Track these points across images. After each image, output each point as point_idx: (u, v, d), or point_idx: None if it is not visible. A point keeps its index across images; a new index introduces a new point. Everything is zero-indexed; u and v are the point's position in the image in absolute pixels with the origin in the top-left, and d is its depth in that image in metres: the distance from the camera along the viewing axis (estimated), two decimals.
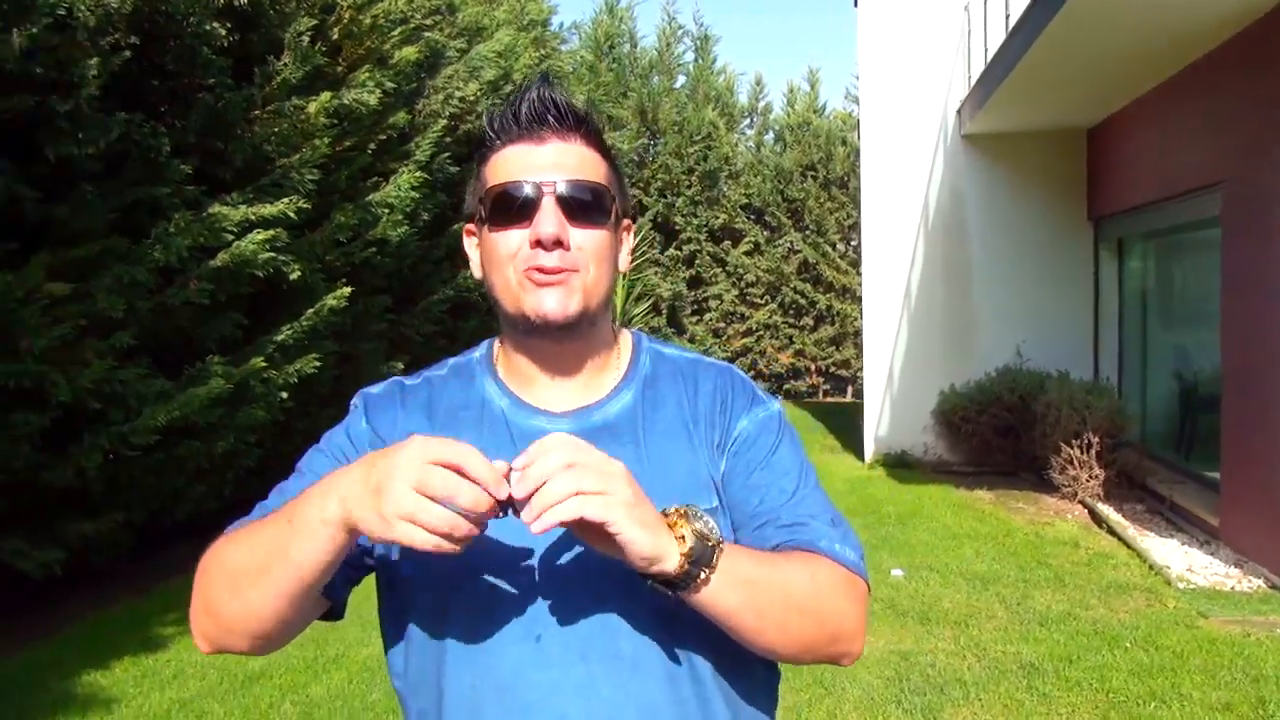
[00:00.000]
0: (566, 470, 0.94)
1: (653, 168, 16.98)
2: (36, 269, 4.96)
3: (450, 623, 1.11)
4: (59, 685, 4.69)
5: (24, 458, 5.13)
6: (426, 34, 9.06)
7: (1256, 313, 6.01)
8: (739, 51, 49.92)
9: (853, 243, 16.74)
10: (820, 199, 16.98)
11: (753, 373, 16.42)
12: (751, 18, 55.80)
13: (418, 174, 8.27)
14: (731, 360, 14.45)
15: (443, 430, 1.18)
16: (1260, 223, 5.95)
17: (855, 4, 10.99)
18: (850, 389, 16.97)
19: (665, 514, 1.01)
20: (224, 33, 6.13)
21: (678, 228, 16.99)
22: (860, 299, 11.64)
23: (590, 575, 1.08)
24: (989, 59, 8.42)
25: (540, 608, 1.08)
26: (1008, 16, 7.97)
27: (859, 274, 12.56)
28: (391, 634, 1.19)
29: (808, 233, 17.04)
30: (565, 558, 1.09)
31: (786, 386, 17.35)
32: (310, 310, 6.94)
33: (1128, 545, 6.52)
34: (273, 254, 6.31)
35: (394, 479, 0.91)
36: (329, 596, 1.13)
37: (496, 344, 1.28)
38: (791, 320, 17.25)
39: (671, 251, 16.99)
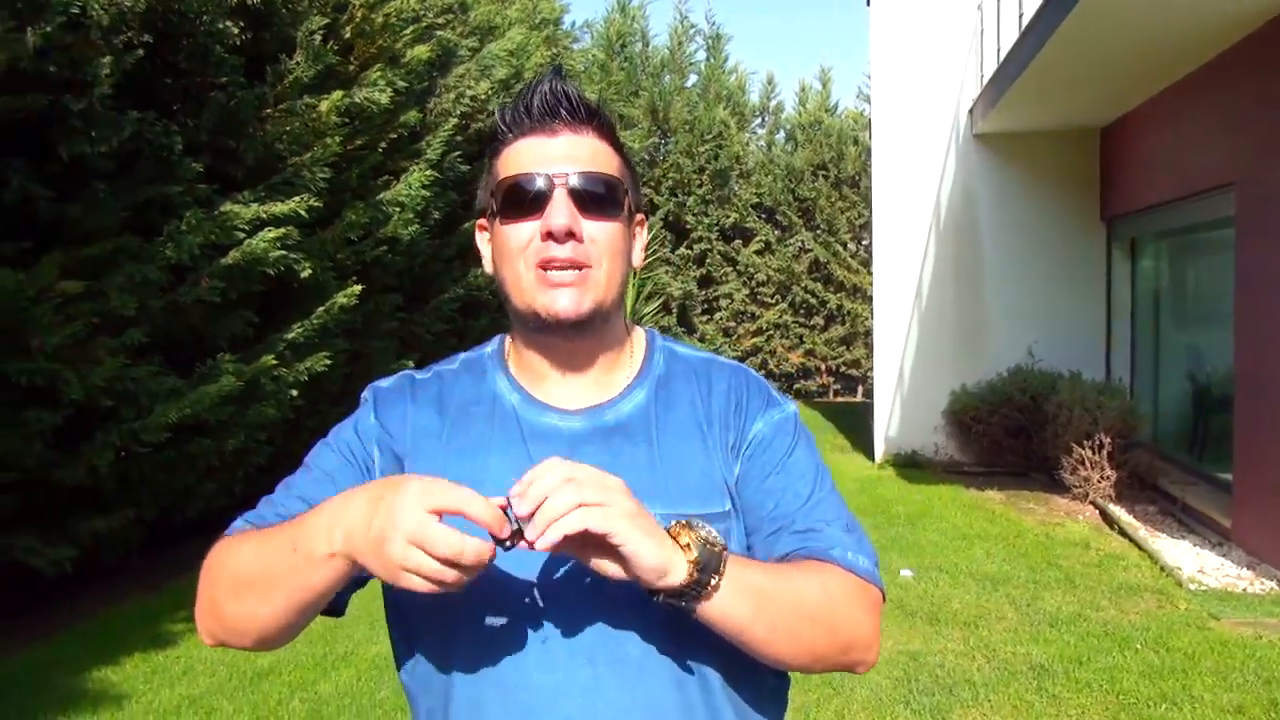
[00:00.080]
0: (566, 484, 0.93)
1: (664, 166, 16.98)
2: (49, 267, 4.99)
3: (456, 624, 1.10)
4: (70, 681, 4.72)
5: (36, 455, 5.16)
6: (438, 33, 9.07)
7: (1270, 313, 5.97)
8: (751, 51, 49.91)
9: (864, 242, 16.71)
10: (831, 198, 16.95)
11: (763, 372, 16.40)
12: (764, 17, 55.74)
13: (429, 172, 8.28)
14: (742, 359, 14.44)
15: (454, 425, 1.18)
16: (1274, 223, 5.91)
17: (868, 3, 10.96)
18: (861, 389, 16.94)
19: (667, 528, 1.00)
20: (236, 31, 6.16)
21: (688, 226, 16.98)
22: (871, 298, 11.62)
23: (599, 579, 1.05)
24: (1001, 58, 8.39)
25: (547, 611, 1.07)
26: (1020, 16, 7.94)
27: (870, 273, 12.53)
28: (398, 633, 1.19)
29: (819, 232, 17.02)
30: (574, 561, 1.08)
31: (797, 386, 17.33)
32: (321, 308, 6.96)
33: (1139, 546, 6.49)
34: (284, 252, 6.33)
35: (395, 530, 0.90)
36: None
37: (508, 339, 1.27)
38: (802, 319, 17.23)
39: (682, 250, 16.99)
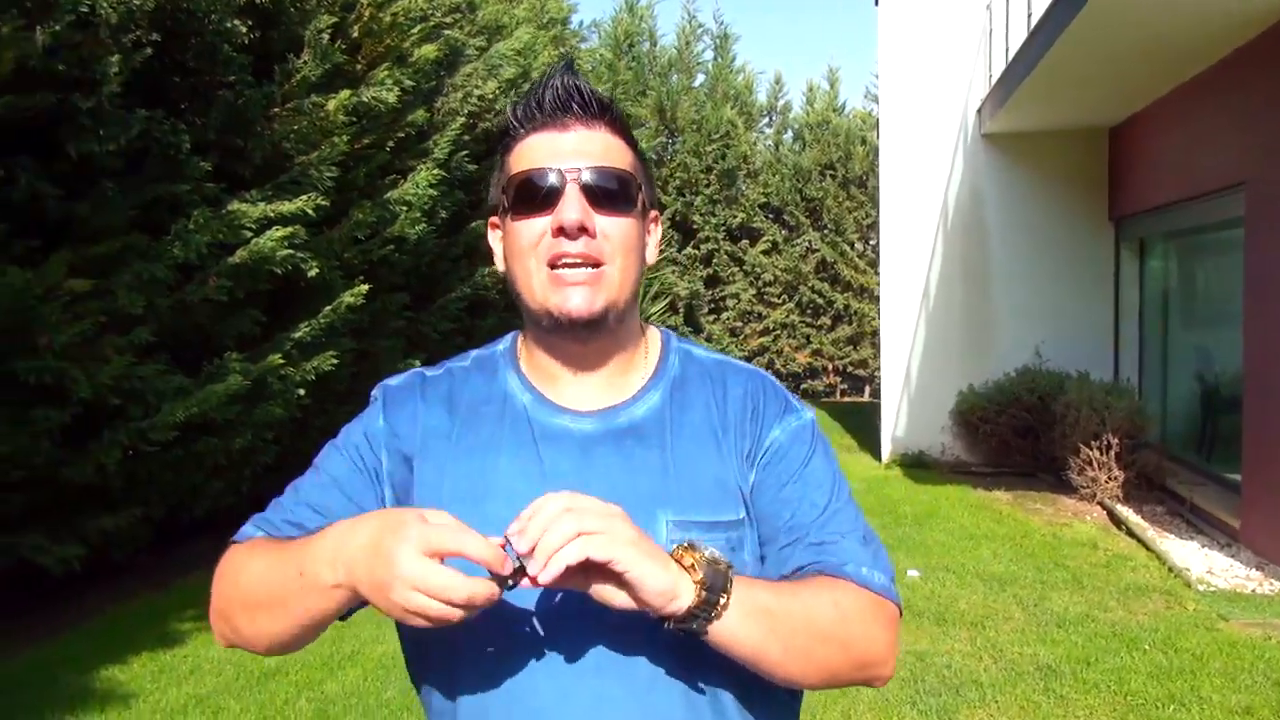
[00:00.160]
0: (566, 514, 0.91)
1: (671, 166, 16.97)
2: (57, 266, 5.00)
3: (464, 631, 1.08)
4: (77, 680, 4.73)
5: (44, 454, 5.17)
6: (446, 32, 9.08)
7: (1279, 314, 5.95)
8: (759, 50, 49.87)
9: (871, 242, 16.70)
10: (839, 198, 16.94)
11: (770, 372, 16.36)
12: (772, 16, 55.71)
13: (436, 172, 8.29)
14: (748, 359, 14.43)
15: (464, 424, 1.16)
16: None
17: (876, 3, 10.95)
18: (867, 389, 16.92)
19: (670, 552, 0.98)
20: (245, 30, 6.16)
21: (695, 226, 16.97)
22: (878, 298, 11.60)
23: (605, 608, 1.04)
24: (1010, 58, 8.37)
25: (552, 640, 1.06)
26: (1029, 15, 7.92)
27: (877, 273, 12.52)
28: (409, 649, 1.18)
29: (826, 232, 17.00)
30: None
31: (804, 386, 17.32)
32: (328, 307, 6.96)
33: (1147, 547, 6.47)
34: (291, 251, 6.34)
35: (395, 579, 0.90)
36: None
37: (520, 337, 1.25)
38: (809, 319, 17.22)
39: (689, 250, 16.98)
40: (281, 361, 6.51)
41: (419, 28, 8.22)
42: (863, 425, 12.59)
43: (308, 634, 1.08)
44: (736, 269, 17.25)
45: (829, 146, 17.14)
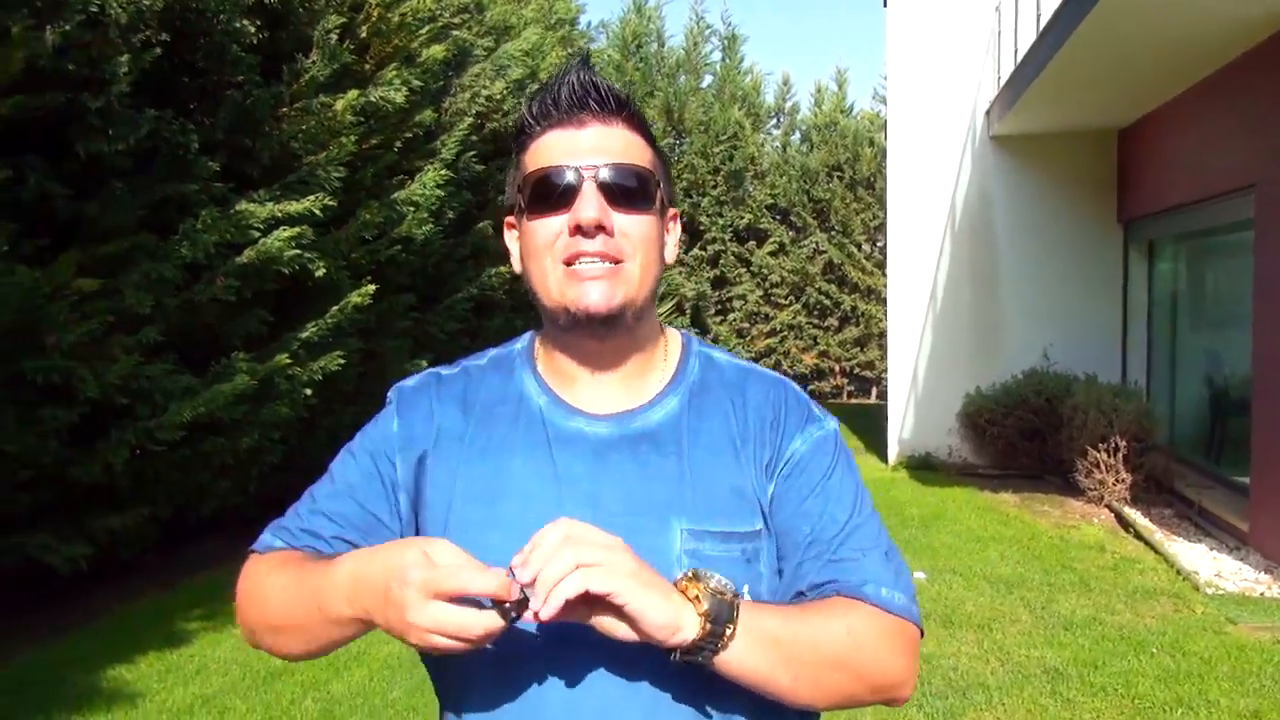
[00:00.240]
0: (564, 546, 0.90)
1: (678, 167, 16.96)
2: (66, 265, 5.01)
3: (469, 671, 1.08)
4: (84, 679, 4.73)
5: (52, 453, 5.18)
6: (454, 32, 9.09)
7: None
8: (767, 52, 49.83)
9: (878, 243, 16.68)
10: (846, 199, 16.93)
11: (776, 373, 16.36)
12: (780, 17, 55.68)
13: (443, 172, 8.29)
14: (755, 360, 14.43)
15: (478, 425, 1.15)
16: None
17: (884, 4, 10.94)
18: (874, 390, 16.91)
19: (674, 582, 0.96)
20: (253, 30, 6.18)
21: (703, 227, 16.97)
22: (885, 300, 11.59)
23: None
24: (1019, 59, 8.35)
25: (565, 643, 1.03)
26: (1039, 16, 7.90)
27: (884, 275, 12.50)
28: (426, 658, 1.17)
29: (833, 233, 16.99)
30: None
31: (810, 387, 17.29)
32: (335, 307, 6.97)
33: (1155, 550, 6.45)
34: (298, 251, 6.35)
35: (410, 625, 0.91)
36: None
37: (537, 338, 1.24)
38: (816, 321, 17.20)
39: (696, 251, 16.98)
40: (289, 361, 6.52)
41: (427, 28, 8.22)
42: (869, 427, 12.57)
43: (334, 648, 1.11)
44: (743, 270, 17.24)
45: (837, 148, 17.12)
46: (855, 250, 16.89)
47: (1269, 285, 6.23)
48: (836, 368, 17.30)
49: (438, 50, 8.23)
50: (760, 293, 17.22)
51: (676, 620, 0.93)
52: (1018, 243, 10.03)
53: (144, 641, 5.22)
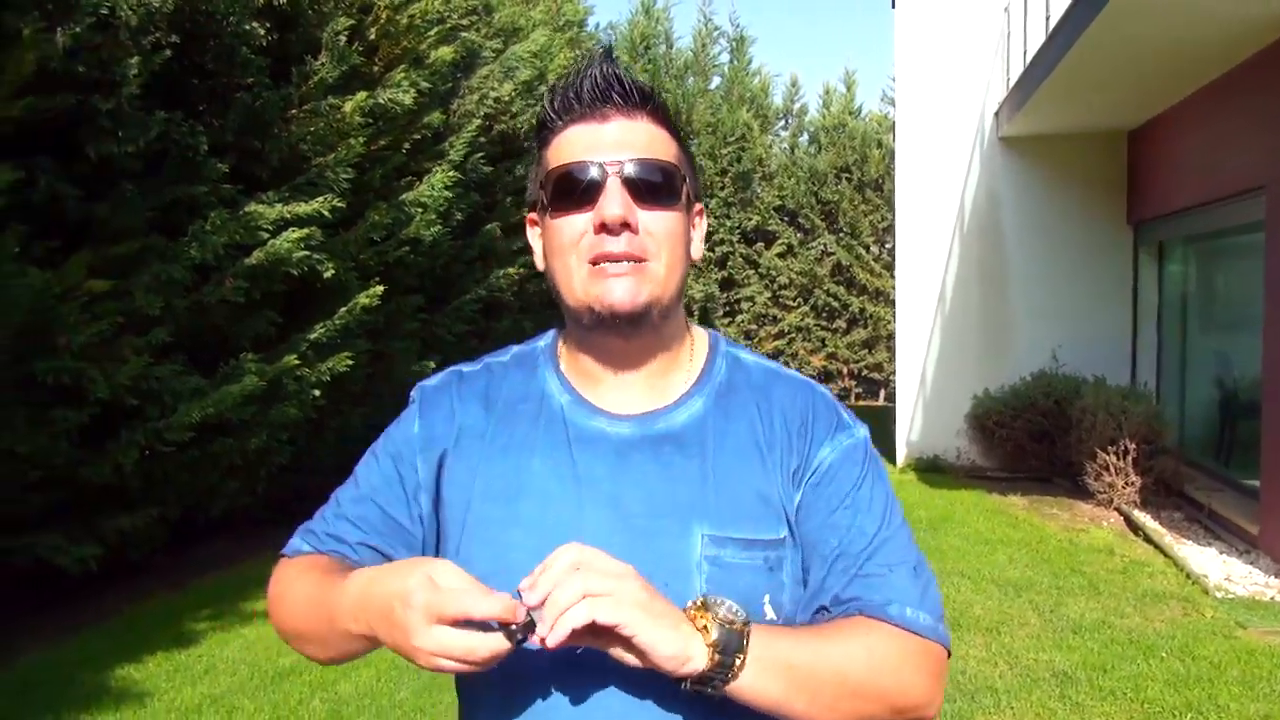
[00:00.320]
0: (573, 573, 0.89)
1: None
2: (77, 266, 5.03)
3: (478, 684, 1.08)
4: (93, 678, 4.75)
5: (63, 454, 5.20)
6: (463, 34, 9.11)
7: None
8: (775, 53, 49.87)
9: (887, 245, 16.65)
10: (854, 201, 16.90)
11: None
12: (788, 19, 55.67)
13: (451, 174, 8.31)
14: None
15: (499, 423, 1.14)
16: None
17: (893, 5, 10.93)
18: (882, 392, 16.88)
19: (684, 609, 0.95)
20: (263, 32, 6.19)
21: (710, 229, 16.96)
22: (893, 302, 11.58)
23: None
24: (1028, 61, 8.34)
25: (574, 661, 1.01)
26: (1048, 18, 7.88)
27: (892, 277, 12.49)
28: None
29: (841, 235, 16.97)
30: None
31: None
32: (343, 309, 6.99)
33: (1164, 553, 6.42)
34: (307, 252, 6.36)
35: (416, 649, 0.91)
36: None
37: (561, 336, 1.21)
38: (824, 323, 17.18)
39: (704, 253, 16.96)
40: (297, 362, 6.54)
41: (435, 30, 8.24)
42: (877, 430, 12.52)
43: (354, 657, 1.11)
44: (751, 272, 17.23)
45: (845, 149, 17.10)
46: (863, 252, 16.87)
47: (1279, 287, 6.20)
48: (844, 370, 17.28)
49: (446, 52, 8.25)
50: (768, 294, 17.20)
51: (685, 651, 0.91)
52: (1027, 244, 10.00)
53: (153, 641, 5.24)
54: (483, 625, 0.90)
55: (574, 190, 1.07)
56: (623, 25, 17.87)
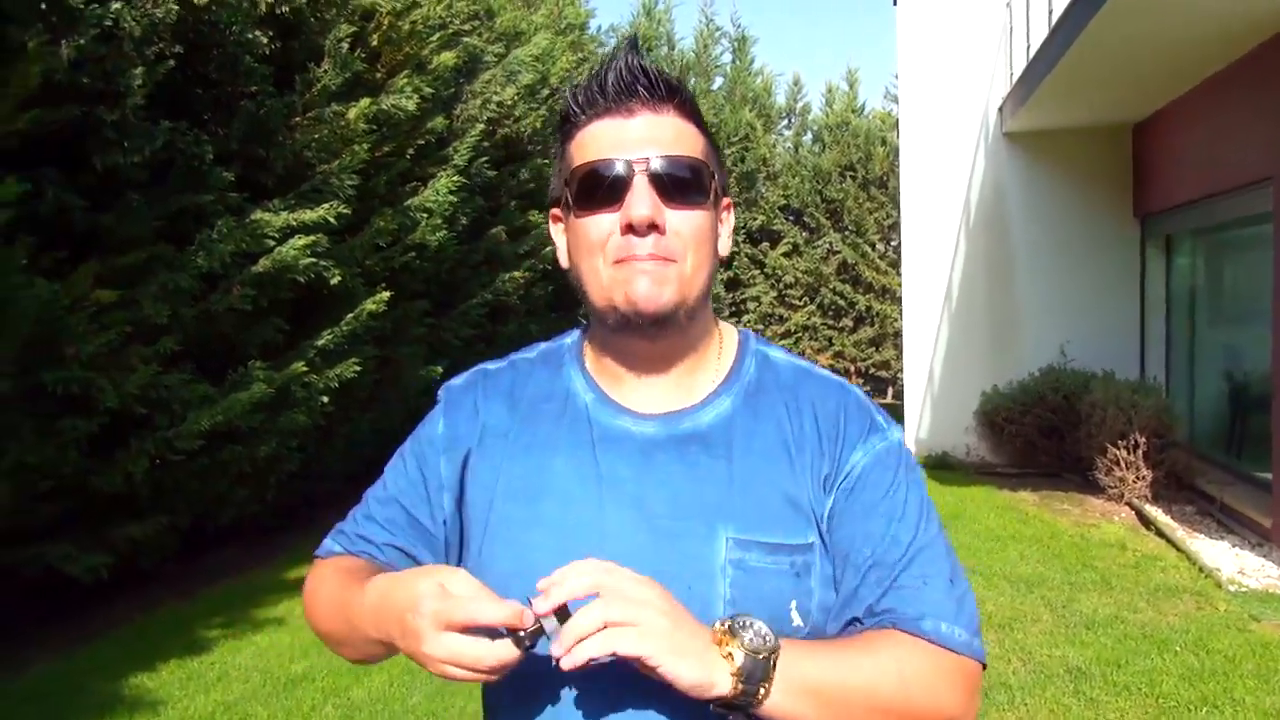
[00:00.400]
0: (595, 602, 0.87)
1: None
2: (84, 277, 5.05)
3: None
4: (106, 687, 4.76)
5: (72, 463, 5.22)
6: (464, 39, 9.12)
7: None
8: (777, 52, 49.84)
9: (892, 243, 16.63)
10: (859, 199, 16.88)
11: None
12: (789, 18, 55.65)
13: (456, 178, 8.32)
14: None
15: (523, 421, 1.13)
16: None
17: (894, 2, 10.91)
18: (890, 390, 16.85)
19: (712, 627, 0.93)
20: (266, 41, 6.21)
21: None
22: (900, 299, 11.56)
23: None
24: (1031, 55, 8.32)
25: (580, 697, 1.02)
26: (1050, 12, 7.86)
27: (898, 274, 12.47)
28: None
29: (847, 233, 16.95)
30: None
31: None
32: (350, 315, 7.00)
33: (1176, 547, 6.40)
34: (313, 259, 6.38)
35: (426, 657, 0.92)
36: None
37: (587, 333, 1.19)
38: (830, 321, 17.16)
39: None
40: (305, 369, 6.55)
41: (438, 35, 8.25)
42: None
43: (379, 660, 1.12)
44: (757, 271, 17.22)
45: (849, 147, 17.08)
46: (869, 250, 16.84)
47: None
48: (852, 368, 17.25)
49: (448, 57, 8.26)
50: (774, 294, 17.19)
51: (709, 679, 0.89)
52: (1033, 239, 9.98)
53: (165, 649, 5.24)
54: (493, 634, 0.90)
55: (599, 188, 1.04)
56: (624, 27, 17.88)
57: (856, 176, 16.97)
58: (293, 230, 6.31)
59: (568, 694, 1.01)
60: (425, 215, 7.97)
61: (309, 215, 6.38)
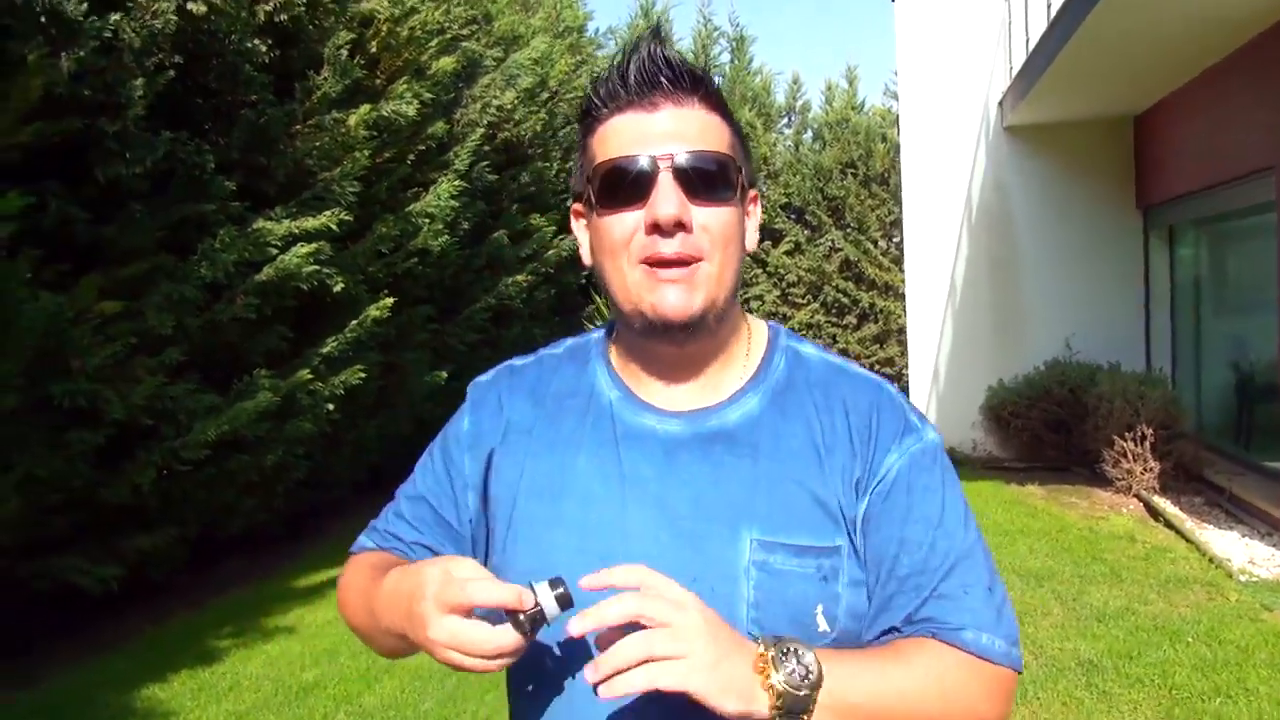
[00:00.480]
0: (636, 636, 0.84)
1: None
2: (88, 289, 5.05)
3: (527, 671, 1.07)
4: (118, 699, 4.76)
5: (81, 476, 5.22)
6: (463, 44, 9.13)
7: None
8: (775, 51, 49.82)
9: (894, 239, 16.59)
10: (861, 196, 16.85)
11: None
12: (787, 17, 55.67)
13: (457, 183, 8.33)
14: None
15: (547, 418, 1.12)
16: None
17: None
18: (895, 387, 16.81)
19: (757, 640, 0.90)
20: (265, 49, 6.21)
21: None
22: (904, 296, 11.54)
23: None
24: (1030, 49, 8.31)
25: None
26: (1049, 5, 7.86)
27: (901, 271, 12.45)
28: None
29: (849, 230, 16.92)
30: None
31: None
32: (354, 322, 7.01)
33: (1186, 538, 6.38)
34: (316, 267, 6.39)
35: (429, 640, 0.92)
36: None
37: (614, 330, 1.16)
38: (834, 319, 17.12)
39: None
40: (310, 377, 6.56)
41: (436, 41, 8.26)
42: None
43: (405, 655, 1.12)
44: (760, 271, 17.18)
45: (849, 145, 17.05)
46: (871, 247, 16.81)
47: None
48: None
49: (447, 62, 8.27)
50: (777, 293, 17.16)
51: (748, 708, 0.87)
52: (1036, 233, 9.96)
53: (176, 660, 5.25)
54: (498, 623, 0.91)
55: (622, 186, 1.01)
56: (622, 29, 17.87)
57: (857, 173, 16.94)
58: (295, 238, 6.32)
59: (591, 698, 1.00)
60: (427, 220, 7.98)
61: (311, 223, 6.38)
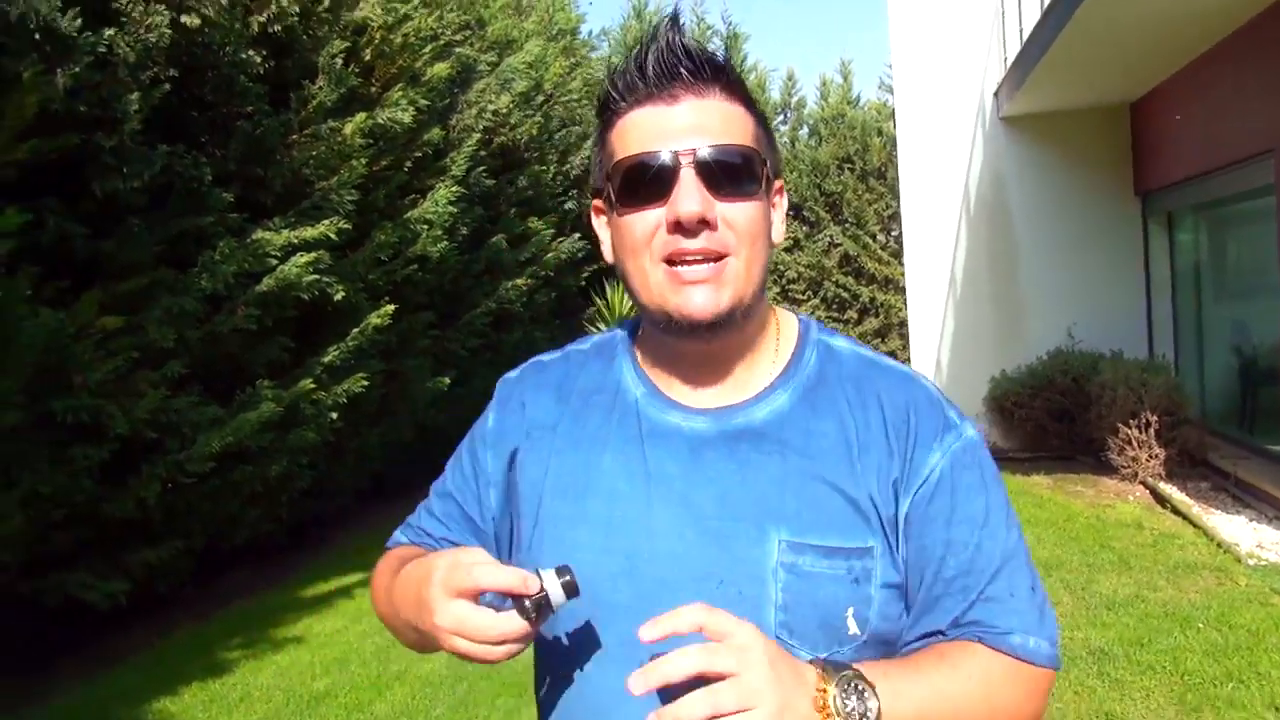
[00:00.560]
0: (702, 691, 0.81)
1: None
2: (88, 305, 5.05)
3: (549, 644, 1.07)
4: (129, 713, 4.76)
5: (85, 491, 5.22)
6: (457, 50, 9.12)
7: None
8: (769, 48, 49.82)
9: (893, 233, 16.59)
10: (858, 191, 16.85)
11: None
12: (779, 14, 55.69)
13: (454, 189, 8.33)
14: None
15: (573, 415, 1.11)
16: None
17: None
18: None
19: (813, 692, 0.87)
20: (259, 60, 6.21)
21: None
22: (904, 289, 11.53)
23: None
24: (1024, 39, 8.30)
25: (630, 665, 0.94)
26: None
27: (901, 264, 12.44)
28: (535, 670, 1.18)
29: (847, 225, 16.92)
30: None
31: None
32: (355, 330, 7.01)
33: (1193, 524, 6.37)
34: (316, 276, 6.39)
35: (436, 627, 0.92)
36: None
37: (640, 326, 1.15)
38: (835, 314, 17.13)
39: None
40: (312, 386, 6.56)
41: (430, 47, 8.26)
42: None
43: (430, 650, 1.10)
44: None
45: (845, 140, 17.05)
46: (870, 241, 16.81)
47: None
48: None
49: (442, 68, 8.26)
50: (777, 290, 17.16)
51: None
52: (1035, 222, 9.95)
53: (186, 673, 5.25)
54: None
55: (643, 182, 0.98)
56: (616, 30, 17.92)
57: (854, 168, 16.94)
58: (294, 248, 6.32)
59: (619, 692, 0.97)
60: (425, 227, 7.97)
61: (310, 232, 6.39)
